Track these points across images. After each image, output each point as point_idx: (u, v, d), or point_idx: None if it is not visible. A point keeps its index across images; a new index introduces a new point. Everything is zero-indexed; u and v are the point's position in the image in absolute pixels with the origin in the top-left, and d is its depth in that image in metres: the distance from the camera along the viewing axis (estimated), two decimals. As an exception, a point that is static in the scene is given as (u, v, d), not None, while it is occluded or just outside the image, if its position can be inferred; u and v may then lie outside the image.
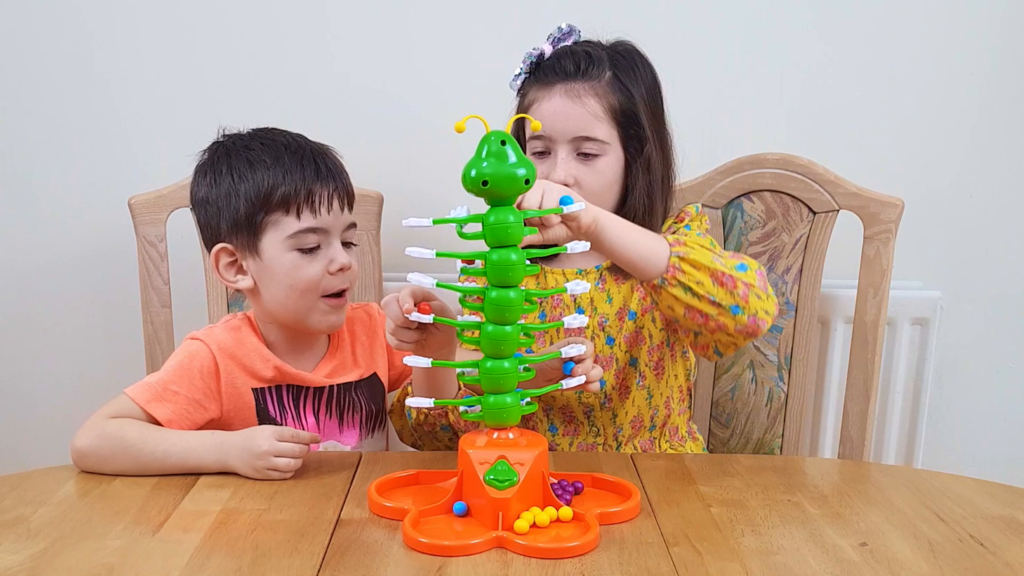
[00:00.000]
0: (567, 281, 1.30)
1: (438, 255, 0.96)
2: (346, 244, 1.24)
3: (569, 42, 1.29)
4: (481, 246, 0.97)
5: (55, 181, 1.68)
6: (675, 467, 1.16)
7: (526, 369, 1.01)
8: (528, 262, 0.96)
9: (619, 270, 1.30)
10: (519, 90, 1.30)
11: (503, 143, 0.93)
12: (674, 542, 0.94)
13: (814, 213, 1.48)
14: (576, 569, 0.88)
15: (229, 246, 1.22)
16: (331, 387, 1.27)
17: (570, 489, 1.02)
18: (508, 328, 0.96)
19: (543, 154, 1.26)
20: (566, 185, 1.23)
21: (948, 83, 1.67)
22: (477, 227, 0.96)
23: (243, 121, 1.29)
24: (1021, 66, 1.66)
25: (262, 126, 1.27)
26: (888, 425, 1.71)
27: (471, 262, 0.98)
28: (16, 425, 1.76)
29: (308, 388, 1.26)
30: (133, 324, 1.54)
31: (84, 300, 1.72)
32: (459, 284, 0.99)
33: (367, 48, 1.65)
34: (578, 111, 1.24)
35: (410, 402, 1.02)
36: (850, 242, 1.49)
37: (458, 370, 1.03)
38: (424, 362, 1.01)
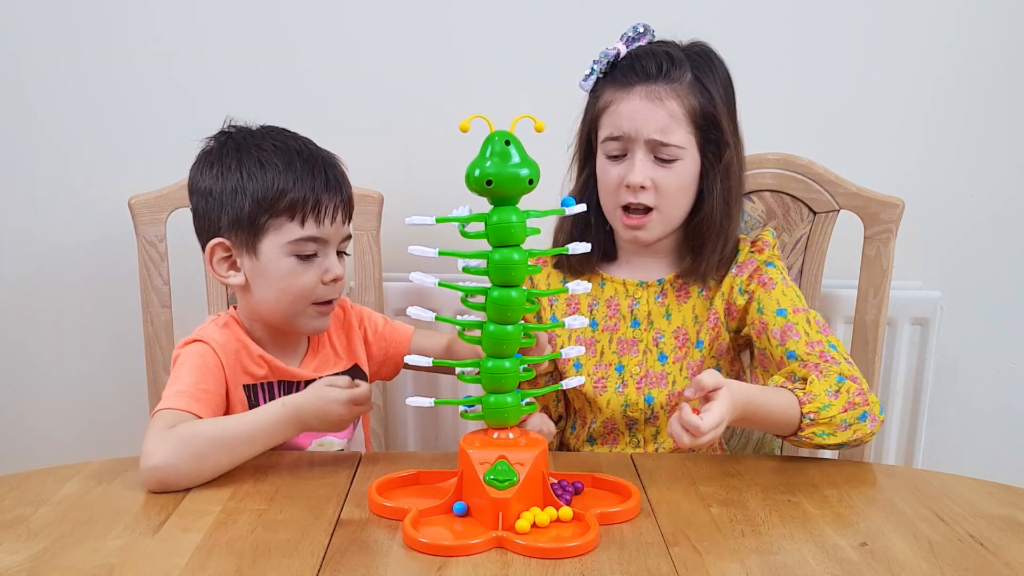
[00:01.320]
0: (626, 291, 1.30)
1: (440, 254, 0.96)
2: (339, 254, 1.24)
3: (643, 42, 1.27)
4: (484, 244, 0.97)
5: (55, 181, 1.68)
6: (675, 467, 1.16)
7: (526, 369, 1.01)
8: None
9: (682, 287, 1.31)
10: (591, 91, 1.28)
11: (507, 143, 0.93)
12: (674, 542, 0.94)
13: (814, 213, 1.48)
14: (576, 569, 0.88)
15: (226, 241, 1.21)
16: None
17: (570, 489, 1.02)
18: (510, 328, 0.96)
19: (618, 157, 1.25)
20: (643, 188, 1.23)
21: (948, 83, 1.66)
22: (479, 226, 0.96)
23: (245, 120, 1.29)
24: (1021, 66, 1.66)
25: (268, 124, 1.26)
26: (888, 425, 1.71)
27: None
28: (16, 425, 1.76)
29: (298, 383, 1.26)
30: (133, 324, 1.55)
31: (84, 300, 1.72)
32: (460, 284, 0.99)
33: (367, 48, 1.64)
34: (658, 113, 1.22)
35: (410, 402, 1.02)
36: (850, 242, 1.49)
37: (458, 369, 1.03)
38: (424, 361, 1.01)
